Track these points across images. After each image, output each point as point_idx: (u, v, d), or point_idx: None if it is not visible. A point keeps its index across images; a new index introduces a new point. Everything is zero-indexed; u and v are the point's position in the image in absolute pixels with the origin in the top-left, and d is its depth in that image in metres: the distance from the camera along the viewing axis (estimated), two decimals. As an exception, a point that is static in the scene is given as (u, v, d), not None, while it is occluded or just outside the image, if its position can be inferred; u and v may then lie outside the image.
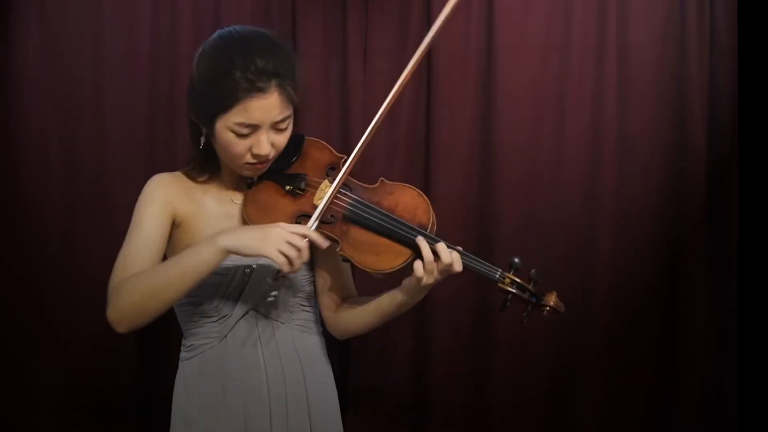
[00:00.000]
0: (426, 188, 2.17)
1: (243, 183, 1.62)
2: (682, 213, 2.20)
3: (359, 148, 1.53)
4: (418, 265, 1.46)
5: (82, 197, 2.12)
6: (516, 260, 1.51)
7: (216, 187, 1.63)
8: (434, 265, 1.46)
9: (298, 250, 1.39)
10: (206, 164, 1.62)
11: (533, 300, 1.52)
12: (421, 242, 1.46)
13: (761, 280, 2.09)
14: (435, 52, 2.16)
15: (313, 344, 1.66)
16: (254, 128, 1.47)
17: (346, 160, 1.55)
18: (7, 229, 2.11)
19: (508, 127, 2.17)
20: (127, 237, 1.54)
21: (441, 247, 1.46)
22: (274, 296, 1.53)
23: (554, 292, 1.53)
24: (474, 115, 2.19)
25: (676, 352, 2.20)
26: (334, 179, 1.53)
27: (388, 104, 1.54)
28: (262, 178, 1.59)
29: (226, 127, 1.47)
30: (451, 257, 1.46)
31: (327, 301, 1.66)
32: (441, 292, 2.13)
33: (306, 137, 1.64)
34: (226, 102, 1.44)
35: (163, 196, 1.58)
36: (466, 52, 2.18)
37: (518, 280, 1.51)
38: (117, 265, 1.50)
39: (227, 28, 1.54)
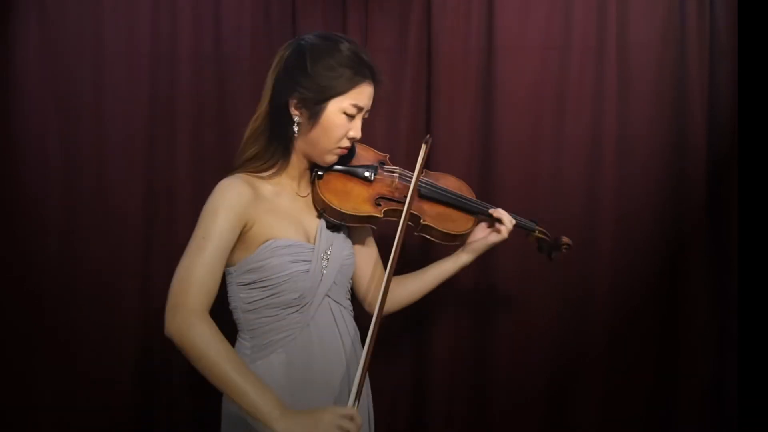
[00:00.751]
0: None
1: (306, 178, 1.70)
2: (682, 213, 2.20)
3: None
4: (497, 231, 1.80)
5: (82, 197, 2.12)
6: (535, 219, 1.90)
7: (282, 181, 1.67)
8: (509, 222, 1.80)
9: None
10: (277, 157, 1.65)
11: (554, 242, 1.89)
12: (498, 211, 1.81)
13: (761, 280, 2.09)
14: (435, 52, 2.16)
15: (358, 332, 1.74)
16: (359, 111, 1.62)
17: (390, 157, 1.81)
18: (7, 229, 2.11)
19: (508, 127, 2.18)
20: (194, 246, 1.51)
21: (503, 213, 1.81)
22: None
23: (562, 235, 1.88)
24: (474, 115, 2.19)
25: (676, 352, 2.21)
26: (402, 172, 1.78)
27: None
28: (328, 170, 1.70)
29: (339, 108, 1.60)
30: (506, 218, 1.81)
31: (366, 280, 1.81)
32: (441, 290, 2.13)
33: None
34: (349, 84, 1.59)
35: (237, 206, 1.56)
36: (466, 52, 2.18)
37: (543, 228, 1.89)
38: (182, 277, 1.50)
39: (320, 32, 1.69)
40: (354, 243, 1.77)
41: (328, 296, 1.65)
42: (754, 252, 2.15)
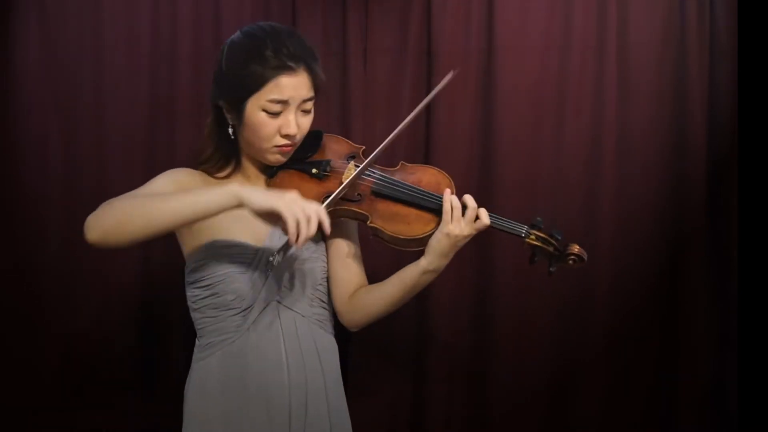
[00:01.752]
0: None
1: (263, 177, 1.65)
2: (682, 213, 2.20)
3: (392, 137, 1.58)
4: (446, 216, 1.52)
5: (82, 197, 2.12)
6: (538, 219, 1.61)
7: (237, 182, 1.64)
8: (460, 212, 1.53)
9: (308, 218, 1.38)
10: (228, 158, 1.64)
11: (557, 252, 1.60)
12: (447, 193, 1.54)
13: (761, 280, 2.09)
14: (435, 52, 2.16)
15: (329, 344, 1.66)
16: (285, 105, 1.53)
17: (365, 151, 1.65)
18: (7, 230, 2.11)
19: (508, 127, 2.17)
20: (133, 191, 1.52)
21: (468, 197, 1.55)
22: (276, 266, 1.51)
23: (576, 243, 1.60)
24: (474, 115, 2.19)
25: (676, 352, 2.21)
26: (356, 164, 1.61)
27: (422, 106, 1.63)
28: (283, 167, 1.63)
29: (258, 106, 1.52)
30: (478, 208, 1.54)
31: (341, 290, 1.65)
32: (440, 290, 2.14)
33: (324, 133, 1.70)
34: (261, 79, 1.51)
35: (180, 179, 1.59)
36: (466, 52, 2.18)
37: (543, 235, 1.59)
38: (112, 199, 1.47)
39: (253, 24, 1.61)
40: (329, 248, 1.67)
41: (279, 302, 1.57)
42: (754, 252, 2.15)
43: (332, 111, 2.18)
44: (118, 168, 2.12)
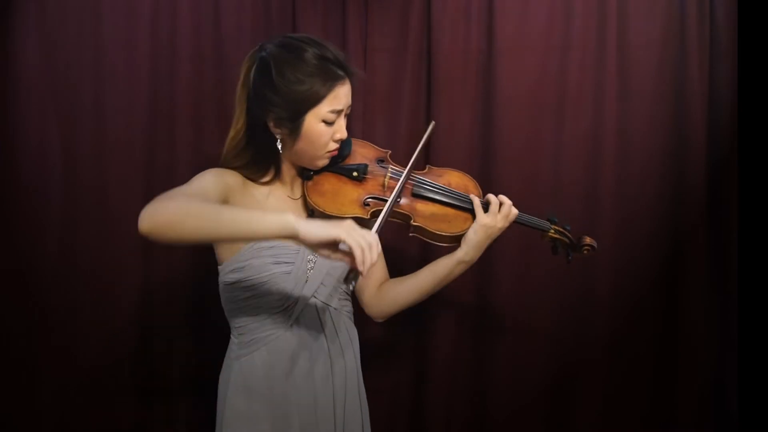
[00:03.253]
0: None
1: (298, 182, 1.70)
2: (682, 213, 2.20)
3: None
4: (493, 207, 1.69)
5: (82, 197, 2.11)
6: (553, 215, 1.82)
7: (276, 186, 1.68)
8: (497, 207, 1.69)
9: (370, 245, 1.37)
10: (268, 166, 1.67)
11: (572, 243, 1.79)
12: (490, 196, 1.72)
13: (761, 280, 2.09)
14: (435, 52, 2.16)
15: (356, 335, 1.75)
16: (338, 114, 1.60)
17: (391, 155, 1.76)
18: (8, 230, 2.10)
19: (508, 128, 2.17)
20: (180, 186, 1.52)
21: (502, 196, 1.72)
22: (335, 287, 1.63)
23: (586, 234, 1.80)
24: (474, 115, 2.19)
25: (676, 352, 2.21)
26: (394, 173, 1.72)
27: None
28: (318, 171, 1.68)
29: (318, 118, 1.57)
30: (507, 202, 1.71)
31: (367, 282, 1.77)
32: (440, 291, 2.13)
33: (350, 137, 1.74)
34: (321, 92, 1.55)
35: (224, 177, 1.61)
36: (466, 52, 2.18)
37: (560, 228, 1.79)
38: (165, 194, 1.46)
39: (277, 37, 1.64)
40: None
41: (316, 298, 1.64)
42: (754, 252, 2.15)
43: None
44: (118, 169, 2.12)
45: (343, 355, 1.67)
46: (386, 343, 2.20)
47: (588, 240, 1.79)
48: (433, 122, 1.82)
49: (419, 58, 2.19)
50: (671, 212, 2.21)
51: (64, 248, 2.11)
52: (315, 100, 1.55)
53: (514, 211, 1.72)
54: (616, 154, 2.18)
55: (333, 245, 1.38)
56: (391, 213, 1.65)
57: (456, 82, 2.18)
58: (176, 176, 2.12)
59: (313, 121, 1.57)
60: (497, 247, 2.14)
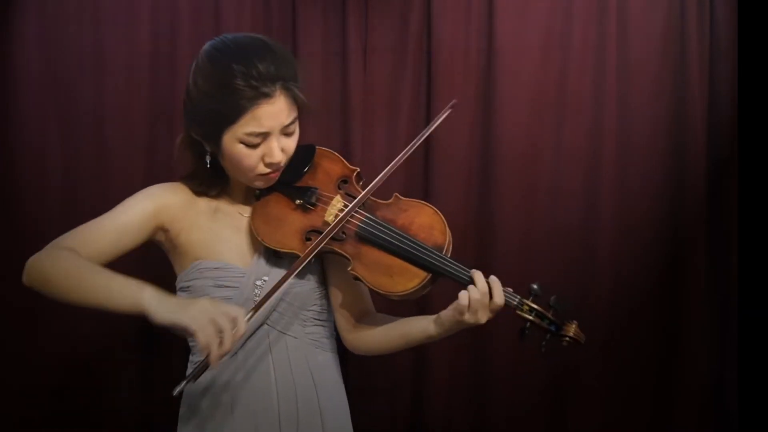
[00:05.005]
0: (425, 189, 2.17)
1: (251, 195, 1.57)
2: (682, 213, 2.20)
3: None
4: (463, 298, 1.39)
5: (82, 197, 2.12)
6: (535, 287, 1.45)
7: (225, 201, 1.58)
8: (484, 301, 1.39)
9: (220, 331, 1.26)
10: (214, 180, 1.56)
11: (552, 329, 1.45)
12: (478, 277, 1.42)
13: (761, 280, 2.09)
14: (435, 52, 2.16)
15: (326, 362, 1.58)
16: (264, 136, 1.42)
17: (359, 177, 1.53)
18: (8, 231, 2.10)
19: (508, 128, 2.17)
20: (101, 216, 1.49)
21: (493, 281, 1.42)
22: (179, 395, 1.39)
23: (574, 322, 1.46)
24: (474, 115, 2.19)
25: (677, 352, 2.20)
26: (346, 193, 1.50)
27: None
28: (271, 189, 1.53)
29: (235, 139, 1.42)
30: (494, 287, 1.42)
31: (342, 319, 1.58)
32: (440, 292, 2.13)
33: (317, 147, 1.59)
34: (233, 113, 1.39)
35: (159, 198, 1.53)
36: (466, 52, 2.18)
37: (537, 307, 1.44)
38: (75, 231, 1.46)
39: (219, 38, 1.49)
40: (327, 272, 1.57)
41: (269, 325, 1.50)
42: (754, 252, 2.15)
43: (332, 111, 2.18)
44: (118, 170, 2.12)
45: (294, 389, 1.50)
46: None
47: (572, 332, 1.43)
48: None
49: (419, 58, 2.19)
50: (671, 212, 2.20)
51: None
52: (229, 120, 1.39)
53: (498, 299, 1.42)
54: (616, 154, 2.18)
55: (186, 329, 1.28)
56: (333, 251, 1.46)
57: (456, 81, 2.17)
58: (176, 176, 2.11)
59: (230, 142, 1.42)
60: (498, 248, 2.15)
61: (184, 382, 1.35)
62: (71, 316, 2.11)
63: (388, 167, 1.51)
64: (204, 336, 1.25)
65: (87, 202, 2.12)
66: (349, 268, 1.45)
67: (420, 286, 1.43)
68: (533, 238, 2.18)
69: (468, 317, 1.39)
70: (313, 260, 1.47)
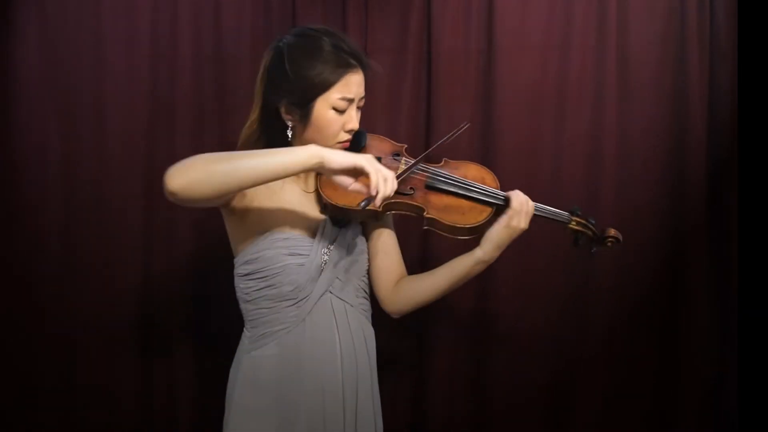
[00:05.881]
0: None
1: (312, 174, 1.68)
2: (682, 212, 2.20)
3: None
4: (514, 210, 1.63)
5: (82, 197, 2.12)
6: (576, 207, 1.75)
7: (291, 180, 1.66)
8: (527, 207, 1.65)
9: (386, 178, 1.44)
10: None
11: (596, 236, 1.74)
12: (516, 193, 1.66)
13: (761, 279, 2.09)
14: (435, 52, 2.16)
15: (372, 333, 1.72)
16: (350, 103, 1.59)
17: (406, 149, 1.73)
18: (7, 231, 2.10)
19: (508, 127, 2.17)
20: None
21: (521, 197, 1.67)
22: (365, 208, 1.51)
23: (611, 227, 1.74)
24: (474, 115, 2.19)
25: (677, 352, 2.21)
26: (408, 161, 1.70)
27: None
28: None
29: (328, 104, 1.57)
30: (529, 204, 1.67)
31: (385, 278, 1.73)
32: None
33: (366, 132, 1.74)
34: (331, 78, 1.56)
35: None
36: (466, 52, 2.18)
37: (583, 220, 1.73)
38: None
39: (293, 30, 1.67)
40: (371, 240, 1.74)
41: (331, 293, 1.62)
42: (755, 251, 2.16)
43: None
44: (118, 168, 2.12)
45: (355, 356, 1.63)
46: (385, 345, 2.19)
47: (612, 232, 1.73)
48: (467, 123, 1.83)
49: (419, 58, 2.19)
50: (671, 211, 2.20)
51: (64, 248, 2.11)
52: (325, 86, 1.56)
53: (532, 207, 1.67)
54: (616, 154, 2.18)
55: (353, 173, 1.45)
56: (405, 206, 1.65)
57: (456, 81, 2.17)
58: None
59: (322, 108, 1.57)
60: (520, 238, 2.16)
61: (363, 203, 1.46)
62: (71, 314, 2.12)
63: (451, 134, 1.77)
64: (376, 175, 1.43)
65: (87, 202, 2.12)
66: (424, 214, 1.64)
67: (488, 219, 1.66)
68: (534, 237, 2.17)
69: (515, 221, 1.63)
70: (382, 214, 1.65)
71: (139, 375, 2.15)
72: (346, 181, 1.46)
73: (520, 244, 2.14)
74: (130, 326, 2.13)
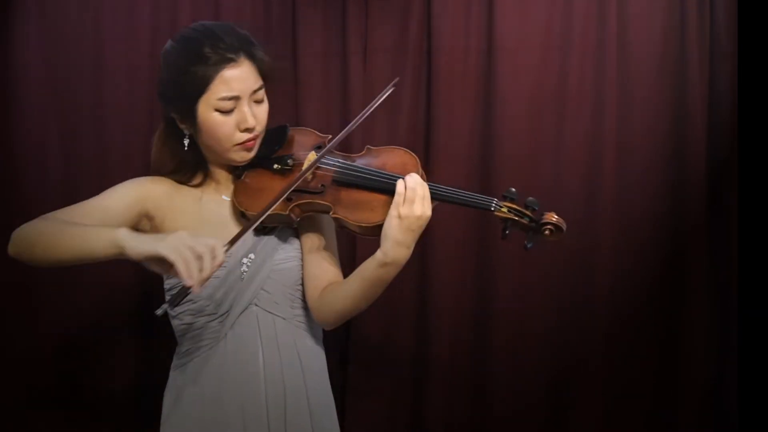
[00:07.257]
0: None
1: (232, 182, 1.60)
2: (682, 213, 2.20)
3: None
4: (397, 198, 1.40)
5: (82, 197, 2.10)
6: (512, 189, 1.47)
7: (209, 189, 1.60)
8: (413, 193, 1.40)
9: (199, 256, 1.27)
10: (194, 167, 1.59)
11: (533, 225, 1.45)
12: (406, 176, 1.42)
13: (761, 279, 2.09)
14: (435, 52, 2.16)
15: (313, 346, 1.59)
16: (236, 101, 1.48)
17: (332, 139, 1.57)
18: (8, 231, 2.10)
19: (508, 127, 2.17)
20: (88, 199, 1.52)
21: (416, 176, 1.42)
22: (162, 316, 1.36)
23: (552, 212, 1.45)
24: (474, 115, 2.19)
25: (677, 352, 2.21)
26: (318, 148, 1.56)
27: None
28: (249, 166, 1.57)
29: (209, 107, 1.47)
30: (419, 183, 1.41)
31: (312, 286, 1.55)
32: (440, 290, 2.14)
33: (289, 126, 1.63)
34: (205, 79, 1.46)
35: (143, 188, 1.56)
36: (466, 52, 2.18)
37: (515, 206, 1.45)
38: (62, 209, 1.48)
39: (184, 28, 1.58)
40: (301, 244, 1.59)
41: (257, 306, 1.52)
42: (754, 252, 2.15)
43: (332, 111, 2.19)
44: (118, 169, 2.11)
45: (282, 373, 1.51)
46: (386, 343, 2.20)
47: (552, 219, 1.43)
48: (396, 80, 1.59)
49: (419, 58, 2.19)
50: (671, 212, 2.20)
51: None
52: (200, 88, 1.46)
53: (427, 190, 1.42)
54: (616, 154, 2.18)
55: (160, 262, 1.28)
56: (312, 206, 1.49)
57: (456, 81, 2.17)
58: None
59: (205, 111, 1.48)
60: (497, 247, 2.15)
61: (166, 305, 1.35)
62: (71, 314, 2.12)
63: (357, 117, 1.54)
64: (183, 263, 1.26)
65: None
66: (330, 213, 1.48)
67: None
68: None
69: (405, 209, 1.39)
70: (295, 219, 1.49)
71: (139, 375, 2.15)
72: (158, 269, 1.32)
73: (519, 243, 2.16)
74: (129, 326, 2.14)
